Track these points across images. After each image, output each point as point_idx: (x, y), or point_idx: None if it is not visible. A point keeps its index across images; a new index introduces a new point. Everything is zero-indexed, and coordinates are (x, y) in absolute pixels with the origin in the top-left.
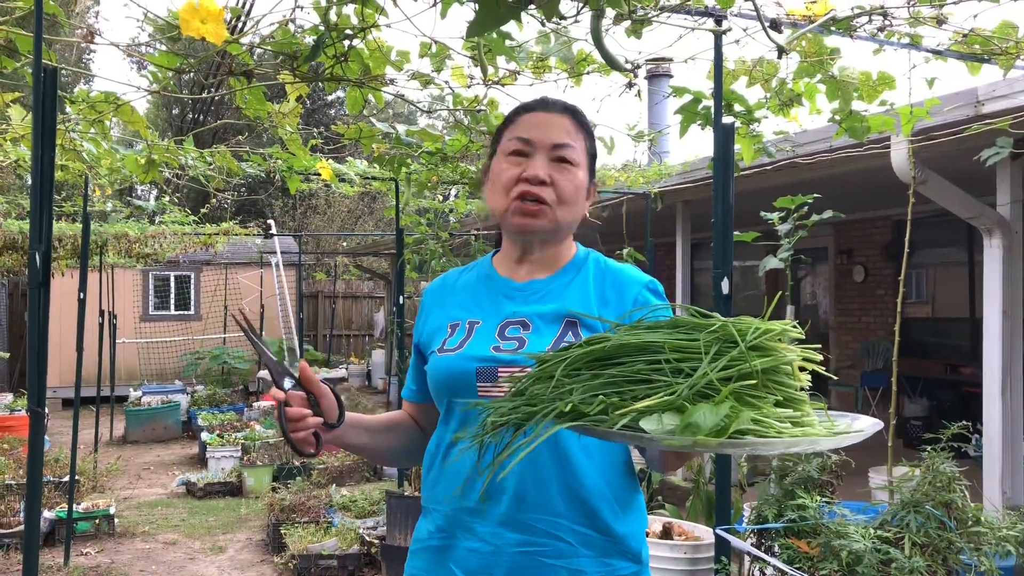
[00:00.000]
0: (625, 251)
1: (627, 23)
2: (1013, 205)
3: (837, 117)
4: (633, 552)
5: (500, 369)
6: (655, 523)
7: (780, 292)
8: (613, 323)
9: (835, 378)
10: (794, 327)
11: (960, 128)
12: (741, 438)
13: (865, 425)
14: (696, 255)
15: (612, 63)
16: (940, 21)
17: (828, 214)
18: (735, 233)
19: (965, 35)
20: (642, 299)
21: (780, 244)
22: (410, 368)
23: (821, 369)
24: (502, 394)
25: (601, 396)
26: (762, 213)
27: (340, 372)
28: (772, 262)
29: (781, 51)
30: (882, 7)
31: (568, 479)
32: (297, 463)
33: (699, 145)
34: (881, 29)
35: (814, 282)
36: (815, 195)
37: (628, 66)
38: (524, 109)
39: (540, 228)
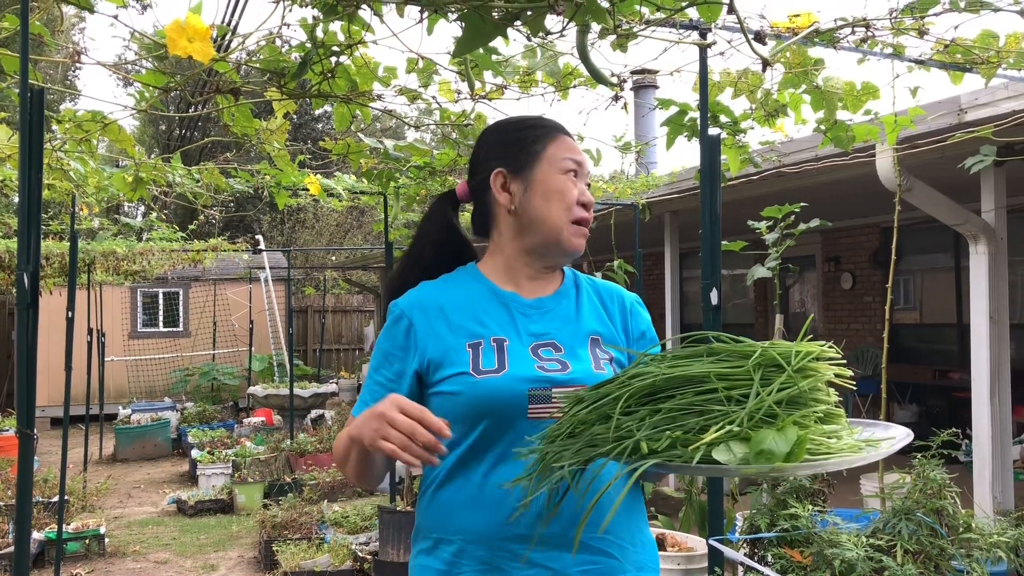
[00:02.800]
0: (616, 263)
1: (612, 37)
2: (997, 211)
3: (822, 127)
4: (655, 560)
5: (554, 390)
6: None
7: (775, 301)
8: (642, 352)
9: (855, 387)
10: (830, 347)
11: (944, 136)
12: (811, 460)
13: (899, 433)
14: (685, 264)
15: (598, 77)
16: (922, 32)
17: (815, 223)
18: (723, 243)
19: (947, 45)
20: (636, 311)
21: (768, 253)
22: (375, 392)
23: (852, 385)
24: (557, 417)
25: (667, 432)
26: (749, 222)
27: (330, 387)
28: (760, 271)
29: (766, 63)
30: (864, 19)
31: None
32: (288, 479)
33: (686, 155)
34: (864, 40)
35: (802, 290)
36: (802, 204)
37: (614, 80)
38: (561, 130)
39: (580, 251)
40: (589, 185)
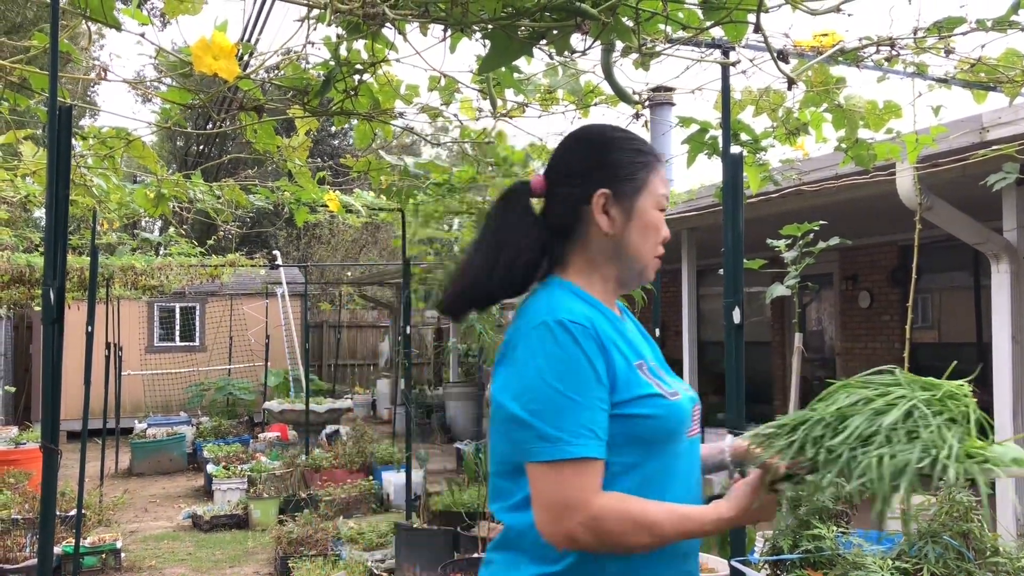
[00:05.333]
0: None
1: (635, 55)
2: (1020, 230)
3: (843, 145)
4: None
5: (695, 408)
6: None
7: (793, 319)
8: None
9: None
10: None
11: (965, 155)
12: None
13: None
14: (701, 282)
15: (622, 95)
16: (948, 51)
17: (834, 241)
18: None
19: (973, 64)
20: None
21: (786, 271)
22: (596, 420)
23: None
24: (698, 433)
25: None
26: (768, 240)
27: (346, 402)
28: (779, 289)
29: (791, 82)
30: (890, 38)
31: None
32: (303, 495)
33: (704, 173)
34: (888, 59)
35: (819, 308)
36: (821, 222)
37: (636, 98)
38: (661, 160)
39: None
40: None
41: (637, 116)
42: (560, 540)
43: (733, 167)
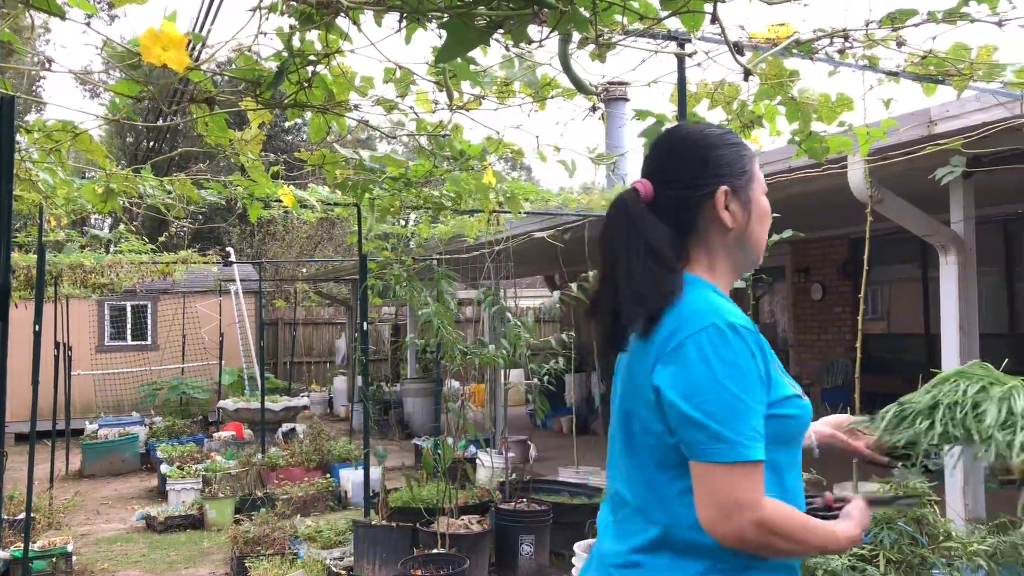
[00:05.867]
0: (591, 274)
1: (592, 47)
2: (966, 222)
3: (797, 138)
4: None
5: None
6: None
7: (747, 312)
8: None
9: None
10: None
11: (914, 148)
12: None
13: None
14: None
15: (580, 86)
16: (900, 43)
17: (788, 233)
18: None
19: (923, 56)
20: None
21: None
22: (760, 423)
23: None
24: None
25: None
26: None
27: (302, 400)
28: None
29: (748, 73)
30: (844, 29)
31: None
32: (260, 494)
33: None
34: (841, 51)
35: (772, 300)
36: (774, 215)
37: (594, 89)
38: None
39: None
40: None
41: (594, 109)
42: (728, 537)
43: None
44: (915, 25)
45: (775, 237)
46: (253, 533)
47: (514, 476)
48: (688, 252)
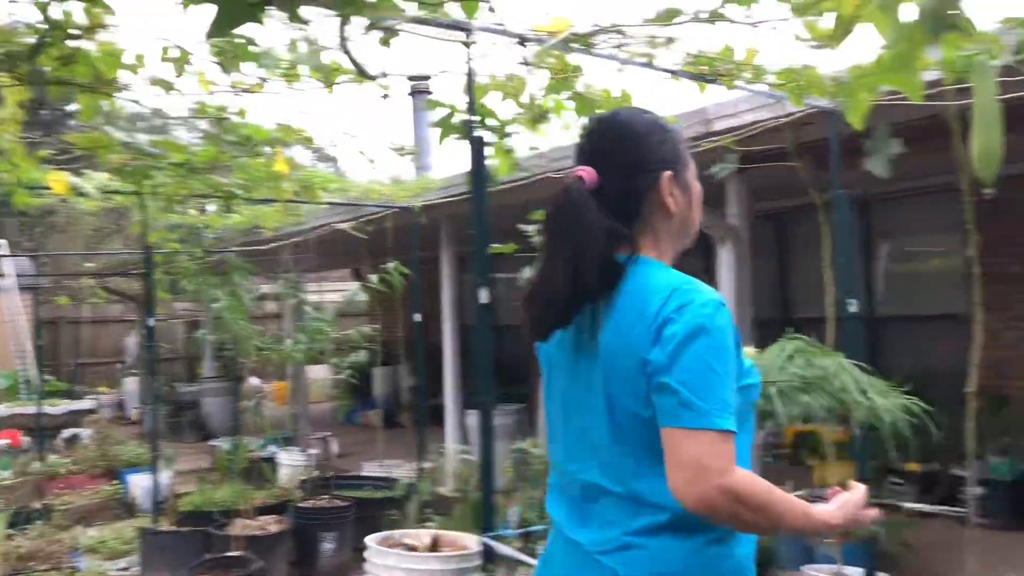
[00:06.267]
0: (392, 264)
1: (380, 33)
2: (741, 215)
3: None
4: None
5: None
6: (424, 536)
7: None
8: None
9: None
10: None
11: (694, 144)
12: None
13: None
14: (466, 268)
15: (360, 70)
16: (670, 40)
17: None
18: (495, 245)
19: (695, 56)
20: None
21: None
22: (732, 397)
23: None
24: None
25: None
26: (519, 226)
27: (87, 403)
28: (529, 273)
29: (526, 61)
30: (615, 25)
31: None
32: (37, 506)
33: (465, 160)
34: (619, 47)
35: None
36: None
37: (375, 73)
38: None
39: None
40: None
41: (386, 96)
42: (694, 502)
43: (477, 150)
44: (678, 23)
45: None
46: (26, 548)
47: (316, 473)
48: (635, 238)
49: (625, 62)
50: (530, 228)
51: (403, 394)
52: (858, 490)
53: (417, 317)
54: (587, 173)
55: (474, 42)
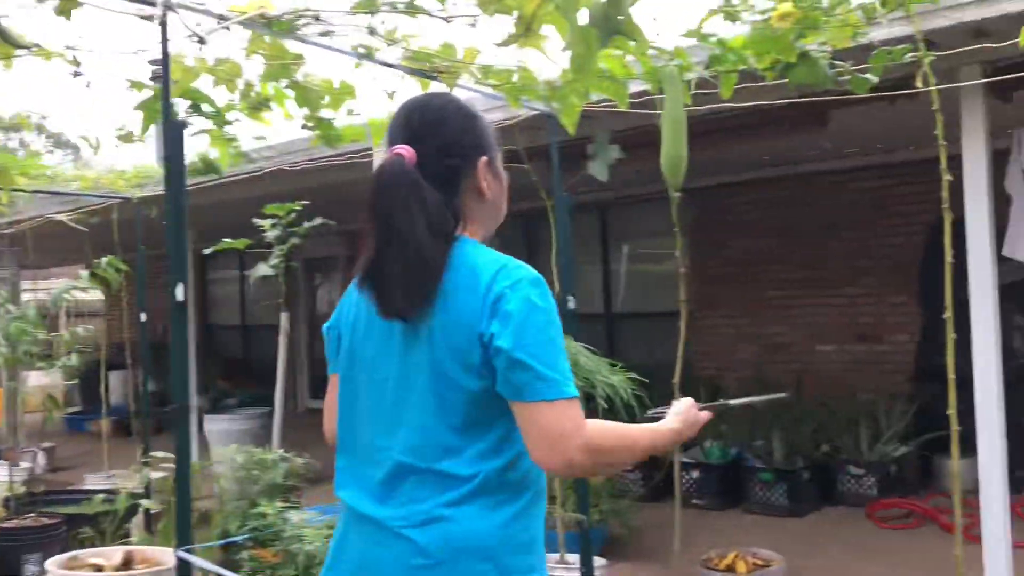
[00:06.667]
0: (105, 259)
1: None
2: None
3: (310, 124)
4: None
5: None
6: (116, 554)
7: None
8: None
9: None
10: None
11: None
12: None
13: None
14: (212, 265)
15: (7, 38)
16: (371, 31)
17: (318, 221)
18: (228, 240)
19: (414, 52)
20: None
21: (272, 251)
22: (568, 366)
23: None
24: None
25: None
26: (254, 220)
27: None
28: (263, 269)
29: (202, 40)
30: (310, 9)
31: None
32: None
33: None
34: (325, 35)
35: (331, 290)
36: (304, 202)
37: (31, 43)
38: None
39: None
40: None
41: (76, 75)
42: (560, 467)
43: (175, 135)
44: (372, 13)
45: (307, 224)
46: None
47: (24, 490)
48: (457, 217)
49: (340, 52)
50: (265, 222)
51: (141, 400)
52: (683, 400)
53: (143, 316)
54: (407, 152)
55: (164, 18)
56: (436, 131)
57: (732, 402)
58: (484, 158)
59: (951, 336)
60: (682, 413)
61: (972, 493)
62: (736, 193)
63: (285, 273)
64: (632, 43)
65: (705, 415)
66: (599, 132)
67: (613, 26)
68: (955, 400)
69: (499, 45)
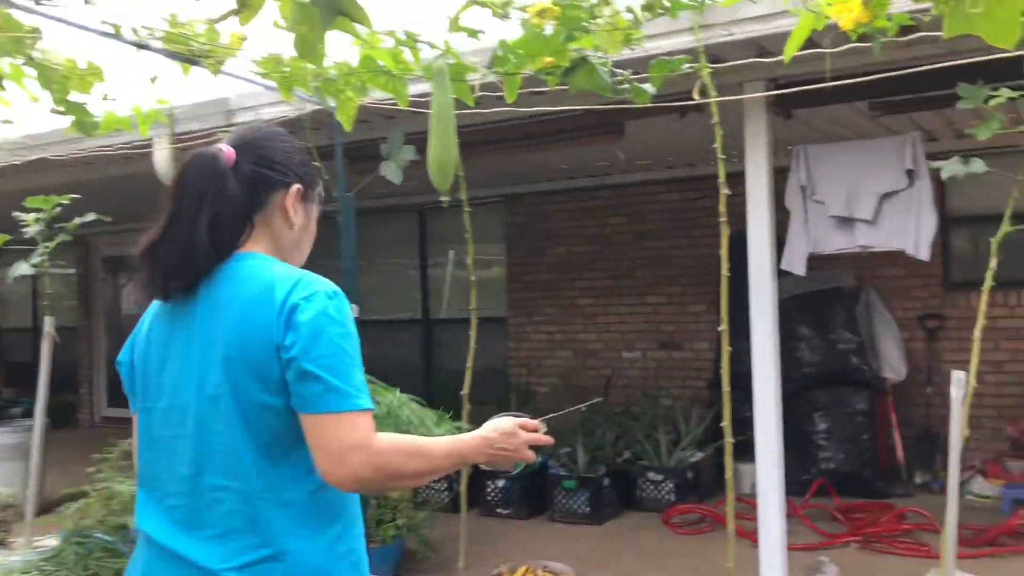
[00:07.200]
0: None
1: None
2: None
3: (61, 108)
4: None
5: None
6: None
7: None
8: None
9: None
10: None
11: (211, 133)
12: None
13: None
14: None
15: None
16: (87, 2)
17: (91, 217)
18: None
19: (166, 32)
20: None
21: (35, 248)
22: (363, 379)
23: None
24: None
25: None
26: (15, 214)
27: None
28: (23, 268)
29: None
30: None
31: None
32: None
33: None
34: (38, 3)
35: (132, 291)
36: (74, 196)
37: None
38: None
39: None
40: None
41: None
42: (346, 480)
43: None
44: None
45: (76, 220)
46: None
47: None
48: (253, 229)
49: (83, 28)
50: (28, 217)
51: None
52: (511, 419)
53: None
54: (228, 150)
55: None
56: (262, 144)
57: (560, 412)
58: (298, 186)
59: (726, 349)
60: (495, 422)
61: None
62: (554, 201)
63: (63, 273)
64: (358, 26)
65: (532, 424)
66: (394, 132)
67: (335, 6)
68: (730, 411)
69: (213, 22)
